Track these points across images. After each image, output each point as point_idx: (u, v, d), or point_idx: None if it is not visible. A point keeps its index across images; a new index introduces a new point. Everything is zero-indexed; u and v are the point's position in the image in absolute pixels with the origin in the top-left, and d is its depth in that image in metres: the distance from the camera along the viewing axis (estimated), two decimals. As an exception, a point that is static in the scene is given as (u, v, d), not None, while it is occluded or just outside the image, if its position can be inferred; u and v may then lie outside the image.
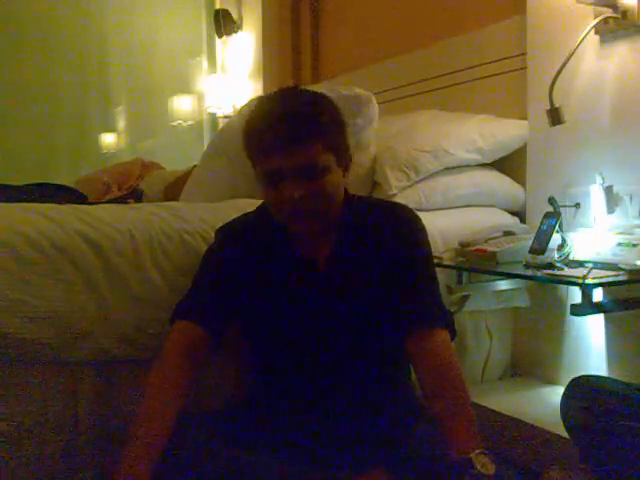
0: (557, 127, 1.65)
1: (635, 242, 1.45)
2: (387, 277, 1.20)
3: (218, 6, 4.05)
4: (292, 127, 1.11)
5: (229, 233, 1.30)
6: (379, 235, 1.23)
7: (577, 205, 1.69)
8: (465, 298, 1.75)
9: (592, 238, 1.58)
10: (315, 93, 1.21)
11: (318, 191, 1.15)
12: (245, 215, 1.33)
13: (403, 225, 1.25)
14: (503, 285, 1.75)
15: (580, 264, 1.48)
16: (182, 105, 4.11)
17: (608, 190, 1.59)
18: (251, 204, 1.41)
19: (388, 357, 1.25)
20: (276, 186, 1.15)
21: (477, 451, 1.01)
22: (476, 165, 1.95)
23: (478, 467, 0.99)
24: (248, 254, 1.24)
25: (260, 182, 1.19)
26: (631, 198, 1.58)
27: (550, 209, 1.59)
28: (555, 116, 1.64)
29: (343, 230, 1.24)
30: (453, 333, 1.19)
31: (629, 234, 1.51)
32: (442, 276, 1.55)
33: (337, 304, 1.21)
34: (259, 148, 1.16)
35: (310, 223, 1.18)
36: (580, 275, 1.33)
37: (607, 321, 1.66)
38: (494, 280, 1.73)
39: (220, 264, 1.25)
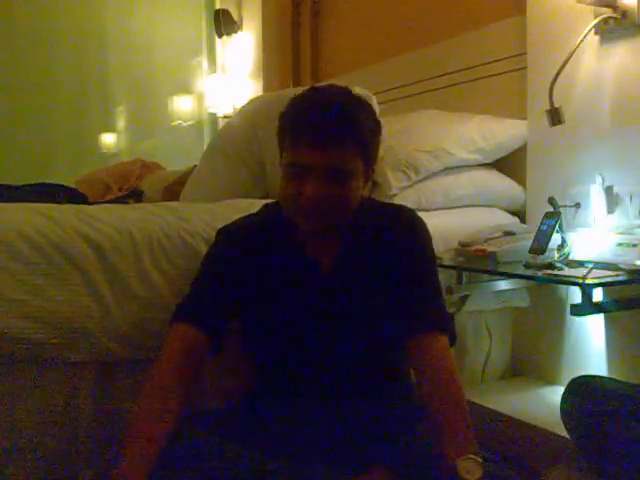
0: (557, 127, 1.65)
1: (635, 242, 1.45)
2: (391, 281, 1.20)
3: (218, 6, 4.05)
4: (333, 127, 1.10)
5: (231, 234, 1.28)
6: (385, 239, 1.23)
7: (577, 205, 1.69)
8: (465, 298, 1.75)
9: (592, 238, 1.58)
10: (361, 98, 1.19)
11: (339, 195, 1.14)
12: (247, 216, 1.32)
13: (409, 230, 1.25)
14: (503, 285, 1.75)
15: (580, 264, 1.48)
16: (182, 105, 4.12)
17: (608, 190, 1.60)
18: (251, 204, 1.41)
19: (389, 358, 1.26)
20: (299, 180, 1.13)
21: (463, 457, 1.00)
22: (476, 165, 1.95)
23: (462, 473, 0.98)
24: (250, 255, 1.23)
25: (283, 170, 1.17)
26: (631, 198, 1.58)
27: (550, 209, 1.60)
28: (555, 116, 1.63)
29: (350, 233, 1.23)
30: (453, 339, 1.19)
31: (629, 234, 1.51)
32: (442, 276, 1.55)
33: (341, 306, 1.21)
34: (294, 137, 1.13)
35: (321, 224, 1.17)
36: (580, 275, 1.33)
37: (607, 321, 1.67)
38: (494, 280, 1.72)
39: (220, 265, 1.24)
